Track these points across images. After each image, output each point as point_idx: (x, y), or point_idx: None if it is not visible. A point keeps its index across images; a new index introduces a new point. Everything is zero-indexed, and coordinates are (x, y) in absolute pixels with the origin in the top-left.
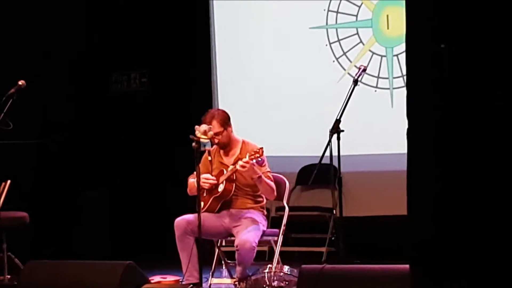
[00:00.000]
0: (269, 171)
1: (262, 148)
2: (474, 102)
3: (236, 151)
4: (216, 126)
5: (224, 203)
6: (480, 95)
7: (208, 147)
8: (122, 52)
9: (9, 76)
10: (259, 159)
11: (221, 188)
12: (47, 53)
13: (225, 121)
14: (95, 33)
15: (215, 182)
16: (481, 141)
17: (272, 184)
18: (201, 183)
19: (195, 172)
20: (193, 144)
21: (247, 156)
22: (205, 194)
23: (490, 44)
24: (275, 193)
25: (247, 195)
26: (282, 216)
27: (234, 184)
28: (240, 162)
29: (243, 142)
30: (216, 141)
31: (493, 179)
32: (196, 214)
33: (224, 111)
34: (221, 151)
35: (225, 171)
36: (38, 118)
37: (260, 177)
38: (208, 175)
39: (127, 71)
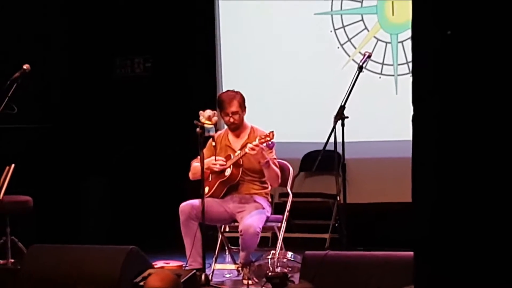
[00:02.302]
0: (275, 158)
1: (273, 131)
2: (480, 90)
3: (245, 136)
4: (235, 105)
5: (229, 187)
6: (487, 83)
7: (212, 133)
8: (126, 36)
9: (13, 60)
10: (269, 143)
11: (228, 172)
12: (51, 37)
13: (244, 103)
14: (99, 17)
15: (224, 166)
16: (487, 128)
17: (278, 170)
18: (211, 165)
19: (199, 157)
20: (197, 129)
21: (257, 140)
22: (210, 178)
23: (498, 31)
24: (280, 180)
25: (253, 181)
26: (285, 202)
27: (240, 169)
28: (249, 145)
29: (252, 128)
30: (232, 120)
31: (499, 167)
32: (200, 199)
33: (242, 94)
34: (230, 136)
35: (232, 156)
36: (42, 102)
37: (267, 162)
38: (218, 157)
39: (131, 56)
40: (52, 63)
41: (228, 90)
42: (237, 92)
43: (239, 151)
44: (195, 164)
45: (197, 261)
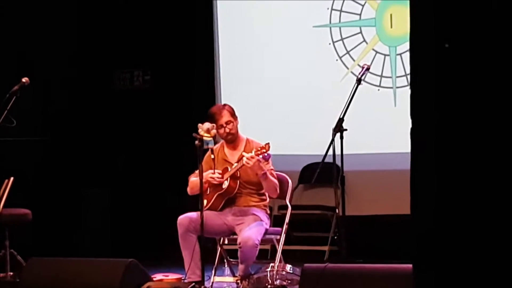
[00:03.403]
0: (272, 169)
1: (268, 143)
2: (477, 102)
3: (241, 148)
4: (226, 115)
5: (227, 200)
6: (484, 95)
7: (211, 145)
8: (125, 49)
9: (12, 73)
10: (265, 154)
11: (225, 185)
12: (51, 50)
13: (234, 112)
14: (98, 30)
15: (222, 179)
16: (484, 140)
17: (276, 181)
18: (209, 178)
19: (196, 171)
20: (196, 142)
21: (253, 151)
22: (208, 192)
23: (494, 44)
24: (278, 190)
25: (251, 193)
26: (284, 215)
27: (238, 181)
28: (246, 155)
29: (247, 140)
30: (228, 130)
31: (495, 178)
32: (199, 212)
33: (230, 105)
34: (226, 149)
35: (229, 168)
36: (41, 115)
37: (265, 173)
38: (216, 171)
39: (130, 68)
40: (51, 76)
41: (215, 104)
42: (224, 104)
43: (236, 164)
44: (193, 179)
45: (196, 273)
